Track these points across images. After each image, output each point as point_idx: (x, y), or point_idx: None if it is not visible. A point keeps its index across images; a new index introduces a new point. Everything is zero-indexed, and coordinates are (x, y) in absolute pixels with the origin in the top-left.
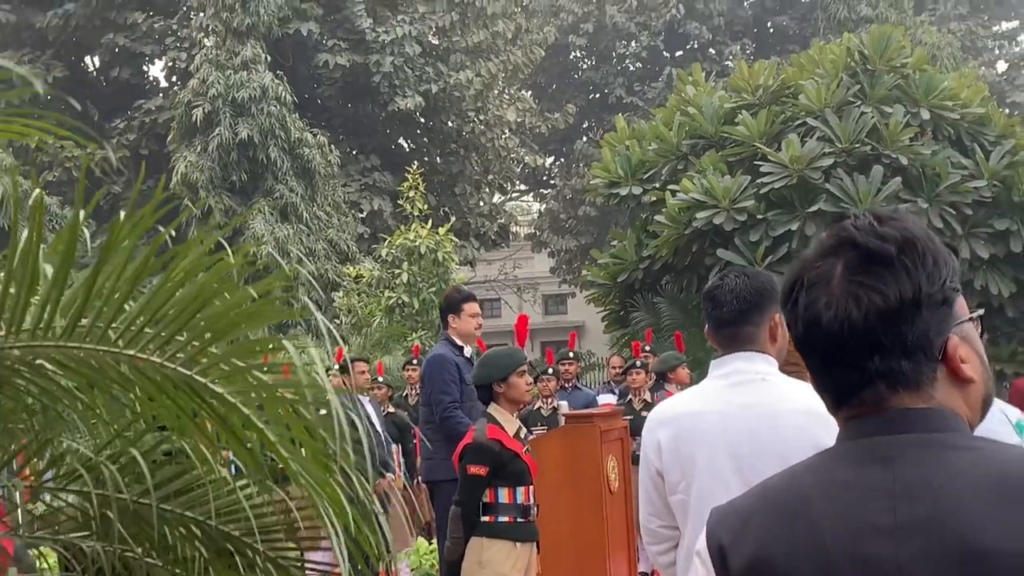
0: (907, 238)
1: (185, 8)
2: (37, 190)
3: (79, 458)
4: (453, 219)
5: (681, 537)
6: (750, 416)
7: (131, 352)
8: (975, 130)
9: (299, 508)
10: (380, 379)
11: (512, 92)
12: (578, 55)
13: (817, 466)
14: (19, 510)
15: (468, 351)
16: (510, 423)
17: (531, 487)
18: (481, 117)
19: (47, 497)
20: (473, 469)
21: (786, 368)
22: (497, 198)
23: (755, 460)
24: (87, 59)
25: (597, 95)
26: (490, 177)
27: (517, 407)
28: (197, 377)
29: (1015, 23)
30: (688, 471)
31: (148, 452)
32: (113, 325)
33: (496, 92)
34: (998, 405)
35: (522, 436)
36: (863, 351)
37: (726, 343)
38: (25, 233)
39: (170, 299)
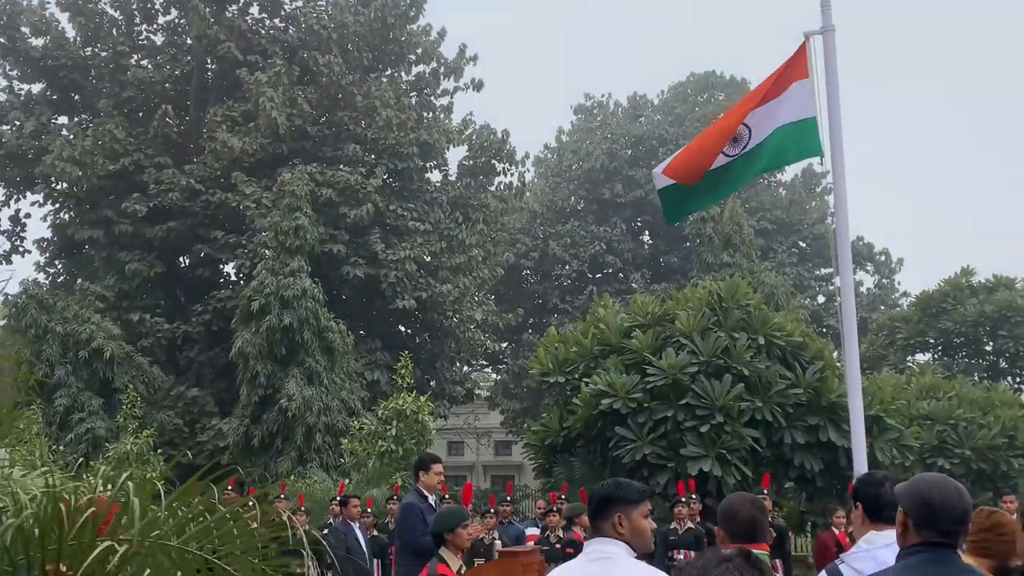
0: None
1: (252, 229)
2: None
3: None
4: (433, 384)
5: None
6: None
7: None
8: (795, 352)
9: None
10: (368, 511)
11: (480, 298)
12: (527, 273)
13: None
14: None
15: (432, 499)
16: (454, 562)
17: None
18: (457, 315)
19: None
20: None
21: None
22: (465, 370)
23: None
24: (181, 259)
25: (540, 302)
26: (461, 356)
27: (461, 550)
28: None
29: (831, 268)
30: None
31: None
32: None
33: (468, 298)
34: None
35: (462, 572)
36: None
37: (592, 532)
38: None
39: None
